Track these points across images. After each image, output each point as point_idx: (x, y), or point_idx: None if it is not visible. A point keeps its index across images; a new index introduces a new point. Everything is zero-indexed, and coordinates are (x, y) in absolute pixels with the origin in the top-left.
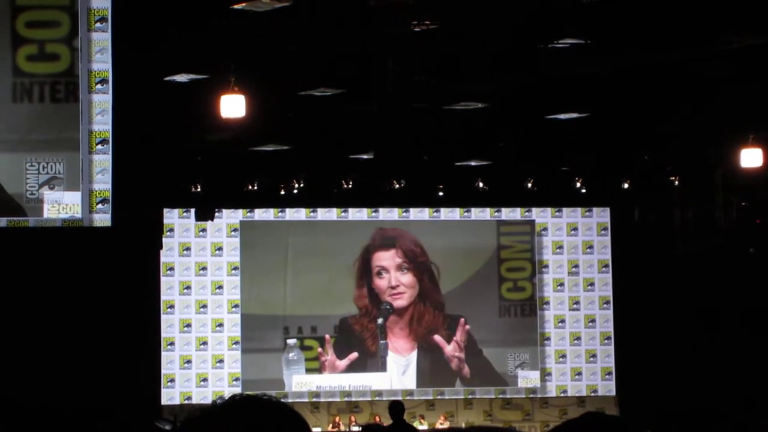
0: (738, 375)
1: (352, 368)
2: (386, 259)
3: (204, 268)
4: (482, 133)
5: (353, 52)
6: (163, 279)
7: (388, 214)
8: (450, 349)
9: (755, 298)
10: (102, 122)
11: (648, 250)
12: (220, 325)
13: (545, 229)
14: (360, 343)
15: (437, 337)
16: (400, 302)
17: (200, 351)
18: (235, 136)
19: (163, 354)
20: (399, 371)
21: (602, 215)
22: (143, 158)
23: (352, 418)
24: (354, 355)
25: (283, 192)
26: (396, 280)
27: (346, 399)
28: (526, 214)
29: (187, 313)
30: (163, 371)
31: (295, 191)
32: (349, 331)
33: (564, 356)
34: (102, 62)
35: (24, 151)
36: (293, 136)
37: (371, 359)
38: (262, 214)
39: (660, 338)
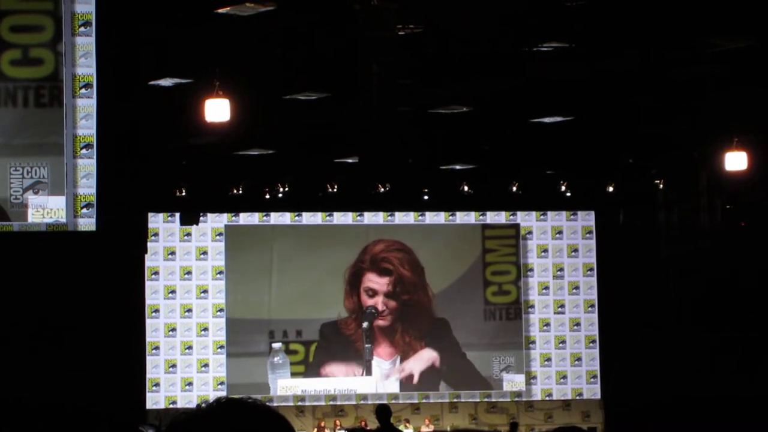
0: (724, 375)
1: (338, 372)
2: (377, 283)
3: (189, 272)
4: (467, 136)
5: (338, 56)
6: (147, 283)
7: (374, 218)
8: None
9: (740, 300)
10: (86, 127)
11: (633, 253)
12: (205, 329)
13: (530, 232)
14: (347, 345)
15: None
16: (383, 322)
17: (185, 355)
18: (220, 140)
19: (148, 358)
20: (383, 375)
21: (587, 218)
22: (128, 163)
23: (338, 422)
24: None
25: (268, 196)
26: (383, 305)
27: (331, 403)
28: (511, 217)
29: (172, 317)
30: (148, 375)
31: (280, 195)
32: (333, 336)
33: (549, 360)
34: (86, 66)
35: (8, 155)
36: (278, 140)
37: (357, 363)
38: (247, 218)
39: (645, 341)
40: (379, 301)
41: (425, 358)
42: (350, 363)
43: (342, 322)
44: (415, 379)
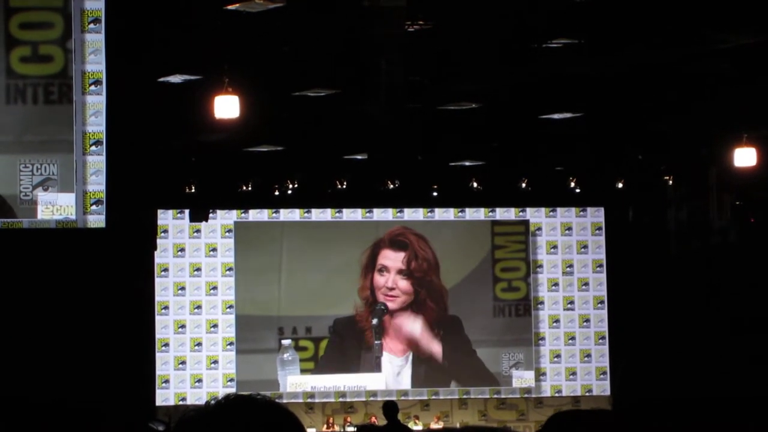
0: (734, 373)
1: (347, 368)
2: (391, 259)
3: (198, 269)
4: (476, 133)
5: (347, 53)
6: (157, 280)
7: (383, 215)
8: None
9: (749, 297)
10: (96, 123)
11: (642, 249)
12: (215, 325)
13: (539, 228)
14: (361, 342)
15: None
16: (391, 304)
17: (195, 352)
18: (229, 136)
19: (158, 355)
20: (394, 372)
21: (596, 215)
22: (137, 159)
23: (347, 419)
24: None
25: (277, 192)
26: (393, 282)
27: (340, 399)
28: (521, 214)
29: (182, 314)
30: (157, 372)
31: (290, 192)
32: (345, 332)
33: (558, 356)
34: (95, 63)
35: (17, 152)
36: (287, 136)
37: (366, 359)
38: (256, 215)
39: (654, 338)
40: (389, 279)
41: (434, 350)
42: (361, 359)
43: (359, 316)
44: (415, 344)
